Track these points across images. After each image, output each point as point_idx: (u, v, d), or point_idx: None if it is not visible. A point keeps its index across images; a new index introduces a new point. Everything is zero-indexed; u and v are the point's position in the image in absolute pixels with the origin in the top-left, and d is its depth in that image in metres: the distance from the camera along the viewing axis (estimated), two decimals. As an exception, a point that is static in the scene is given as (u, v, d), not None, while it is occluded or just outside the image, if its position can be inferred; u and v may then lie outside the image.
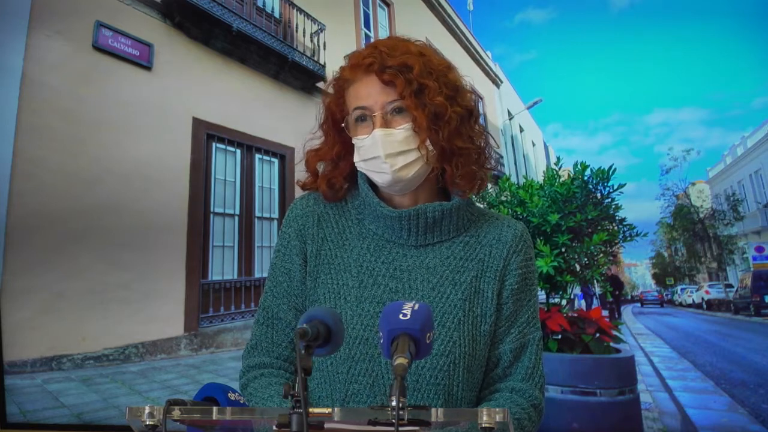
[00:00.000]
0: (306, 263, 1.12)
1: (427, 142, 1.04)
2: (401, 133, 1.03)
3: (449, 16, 3.84)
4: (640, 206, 3.32)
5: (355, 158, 1.08)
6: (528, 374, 1.09)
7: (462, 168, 1.07)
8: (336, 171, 1.13)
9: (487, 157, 1.12)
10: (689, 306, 3.81)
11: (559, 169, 3.20)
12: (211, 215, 3.33)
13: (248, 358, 1.13)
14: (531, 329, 1.11)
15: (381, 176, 1.06)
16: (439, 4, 3.83)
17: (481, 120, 1.14)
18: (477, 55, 3.84)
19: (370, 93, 1.03)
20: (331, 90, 1.11)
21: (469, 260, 1.10)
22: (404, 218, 1.08)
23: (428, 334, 0.76)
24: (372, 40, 3.76)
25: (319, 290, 1.09)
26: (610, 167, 3.09)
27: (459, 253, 1.10)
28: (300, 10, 3.63)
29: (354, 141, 1.07)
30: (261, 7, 3.56)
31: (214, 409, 0.75)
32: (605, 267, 3.14)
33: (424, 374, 1.03)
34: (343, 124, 1.09)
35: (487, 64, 3.88)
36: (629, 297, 3.90)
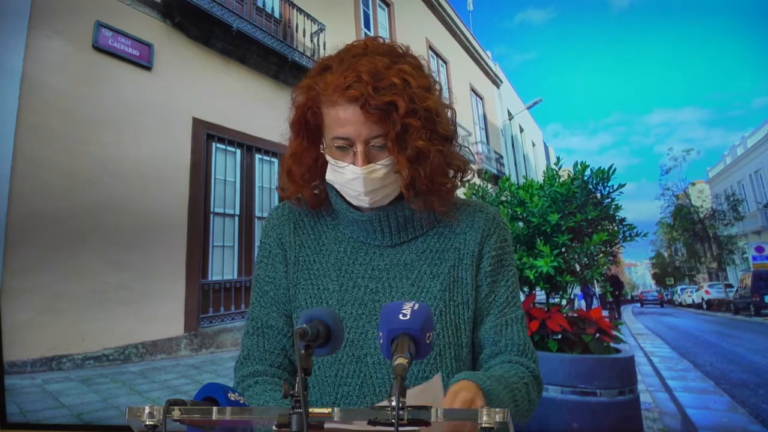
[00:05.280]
0: (288, 269, 1.13)
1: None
2: (382, 168, 1.03)
3: (449, 16, 3.84)
4: (640, 206, 3.32)
5: (329, 176, 1.08)
6: (521, 350, 1.08)
7: (443, 197, 1.08)
8: (315, 177, 1.12)
9: (464, 173, 1.11)
10: (689, 306, 3.81)
11: (559, 169, 3.20)
12: (211, 215, 3.33)
13: (241, 368, 1.13)
14: (511, 308, 1.11)
15: (357, 202, 1.07)
16: (439, 4, 3.83)
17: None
18: (477, 55, 3.84)
19: (352, 123, 1.01)
20: (301, 92, 1.08)
21: (445, 251, 1.10)
22: (375, 221, 1.09)
23: (428, 334, 0.77)
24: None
25: (300, 296, 1.11)
26: (610, 167, 3.09)
27: (434, 245, 1.11)
28: (300, 10, 3.63)
29: (331, 163, 1.06)
30: (261, 7, 3.56)
31: (214, 409, 0.75)
32: (605, 267, 3.14)
33: (412, 369, 1.04)
34: (322, 148, 1.08)
35: (487, 64, 3.88)
36: (629, 297, 3.90)
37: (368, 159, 1.02)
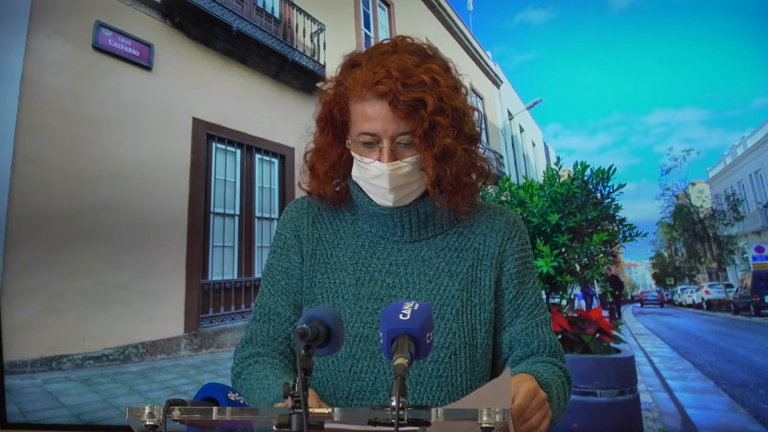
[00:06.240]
0: (303, 262, 1.12)
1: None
2: (407, 166, 1.04)
3: (449, 16, 3.84)
4: (640, 206, 3.32)
5: (355, 172, 1.08)
6: (552, 351, 1.10)
7: (467, 197, 1.08)
8: (338, 174, 1.12)
9: (488, 176, 1.12)
10: (689, 306, 3.81)
11: (559, 169, 3.20)
12: (211, 215, 3.33)
13: (242, 350, 1.11)
14: (541, 311, 1.12)
15: (381, 200, 1.08)
16: (439, 4, 3.83)
17: (481, 120, 1.14)
18: (477, 55, 3.84)
19: (379, 119, 1.01)
20: (330, 87, 1.08)
21: (464, 250, 1.10)
22: (396, 215, 1.09)
23: (428, 334, 0.76)
24: (372, 40, 3.76)
25: (316, 289, 1.10)
26: (610, 167, 3.09)
27: (454, 244, 1.11)
28: (300, 10, 3.63)
29: (356, 159, 1.07)
30: (261, 7, 3.56)
31: (214, 409, 0.75)
32: (605, 267, 3.14)
33: (426, 367, 1.04)
34: (348, 144, 1.08)
35: (487, 64, 3.88)
36: (629, 297, 3.90)
37: (394, 156, 1.03)
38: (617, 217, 3.13)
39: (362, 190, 1.10)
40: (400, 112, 1.00)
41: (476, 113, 1.10)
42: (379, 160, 1.03)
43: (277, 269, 1.14)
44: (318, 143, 1.12)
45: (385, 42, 1.07)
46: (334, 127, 1.09)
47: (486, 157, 1.11)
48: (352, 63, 1.07)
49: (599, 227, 3.07)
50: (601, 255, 3.07)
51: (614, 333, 2.98)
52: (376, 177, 1.04)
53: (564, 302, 3.06)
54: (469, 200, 1.09)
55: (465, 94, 1.09)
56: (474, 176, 1.09)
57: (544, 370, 1.03)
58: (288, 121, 3.57)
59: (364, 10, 3.76)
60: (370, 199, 1.09)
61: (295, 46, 3.60)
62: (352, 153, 1.07)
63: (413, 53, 1.04)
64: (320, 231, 1.13)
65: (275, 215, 3.57)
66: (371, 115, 1.02)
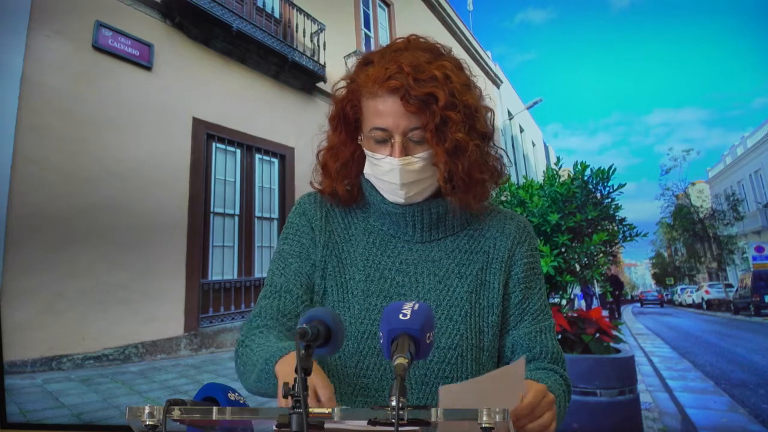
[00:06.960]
0: (316, 249, 1.12)
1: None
2: (419, 162, 1.03)
3: (449, 16, 3.84)
4: (640, 206, 3.32)
5: (367, 169, 1.09)
6: (554, 358, 1.10)
7: (479, 196, 1.08)
8: (351, 172, 1.12)
9: (500, 176, 1.12)
10: (689, 306, 3.81)
11: (559, 169, 3.20)
12: (211, 215, 3.33)
13: (250, 323, 1.09)
14: (545, 317, 1.12)
15: (393, 197, 1.08)
16: (439, 4, 3.83)
17: (494, 121, 1.13)
18: (477, 55, 3.84)
19: (391, 114, 1.02)
20: (342, 86, 1.09)
21: (474, 252, 1.11)
22: (408, 215, 1.09)
23: (428, 334, 0.77)
24: (372, 40, 3.77)
25: (327, 282, 1.10)
26: (610, 167, 3.10)
27: (464, 246, 1.11)
28: (300, 10, 3.63)
29: (368, 155, 1.07)
30: (261, 7, 3.56)
31: (214, 409, 0.75)
32: (605, 267, 3.14)
33: (432, 368, 1.04)
34: (360, 140, 1.09)
35: (487, 64, 3.88)
36: (629, 297, 3.90)
37: (406, 151, 1.03)
38: (617, 217, 3.13)
39: (375, 187, 1.11)
40: (411, 107, 1.00)
41: (489, 113, 1.10)
42: (391, 156, 1.03)
43: (289, 253, 1.13)
44: (331, 141, 1.12)
45: (398, 40, 1.08)
46: (346, 124, 1.09)
47: (498, 156, 1.11)
48: (365, 61, 1.07)
49: (599, 227, 3.08)
50: (601, 255, 3.08)
51: (614, 333, 2.98)
52: (387, 172, 1.04)
53: (564, 302, 3.06)
54: (481, 198, 1.09)
55: (479, 95, 1.09)
56: (486, 174, 1.08)
57: (546, 378, 1.04)
58: (288, 121, 3.57)
59: (364, 10, 3.76)
60: (383, 197, 1.10)
61: (295, 46, 3.60)
62: (365, 149, 1.08)
63: (426, 50, 1.04)
64: (332, 225, 1.13)
65: (275, 215, 3.57)
66: (383, 110, 1.02)
